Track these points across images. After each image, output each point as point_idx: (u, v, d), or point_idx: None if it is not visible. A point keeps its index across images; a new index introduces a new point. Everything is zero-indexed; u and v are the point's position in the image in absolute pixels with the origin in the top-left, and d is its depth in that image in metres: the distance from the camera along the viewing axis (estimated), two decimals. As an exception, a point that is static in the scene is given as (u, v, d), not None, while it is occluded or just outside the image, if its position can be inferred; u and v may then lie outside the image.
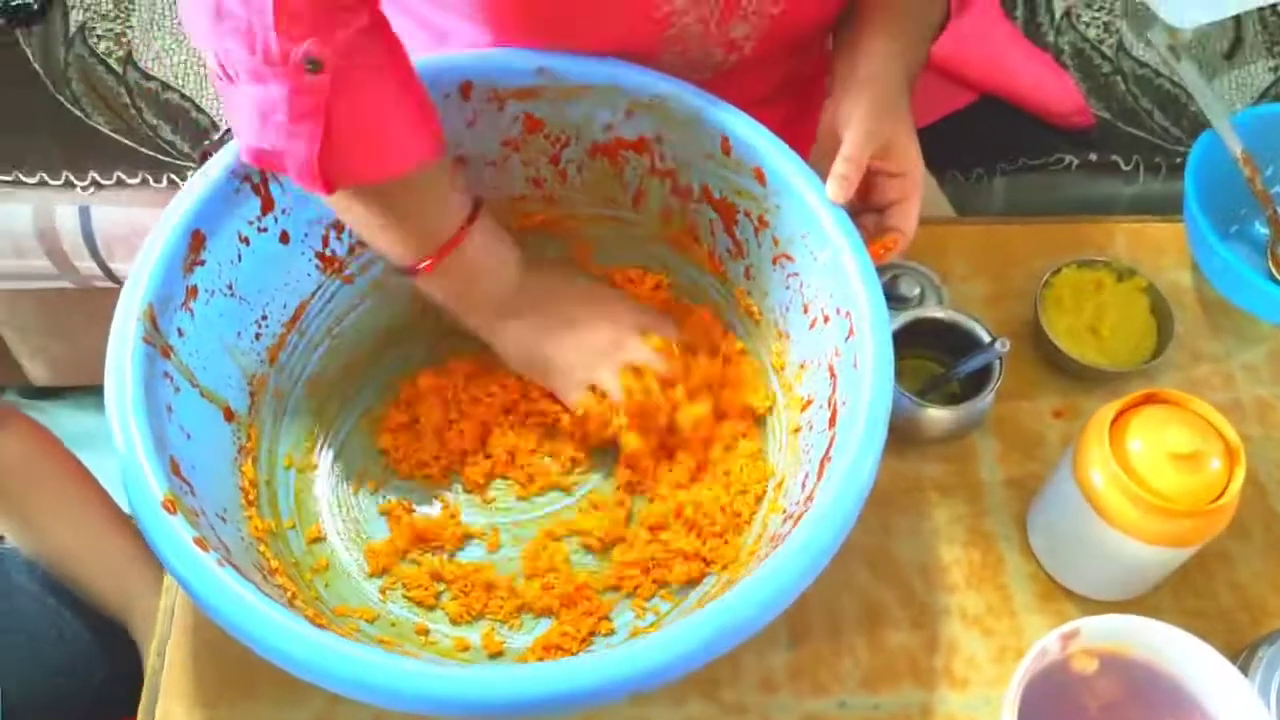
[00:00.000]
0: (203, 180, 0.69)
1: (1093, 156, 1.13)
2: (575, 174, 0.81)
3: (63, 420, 1.59)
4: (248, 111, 0.63)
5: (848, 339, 0.67)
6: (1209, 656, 0.64)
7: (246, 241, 0.72)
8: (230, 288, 0.72)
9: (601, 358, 0.75)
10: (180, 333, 0.67)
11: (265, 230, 0.73)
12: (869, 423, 0.62)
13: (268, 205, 0.72)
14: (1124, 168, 1.13)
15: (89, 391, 1.57)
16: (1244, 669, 0.69)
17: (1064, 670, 0.65)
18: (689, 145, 0.76)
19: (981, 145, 1.15)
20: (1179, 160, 1.13)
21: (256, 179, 0.71)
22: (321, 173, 0.64)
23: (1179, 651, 0.64)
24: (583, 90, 0.75)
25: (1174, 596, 0.75)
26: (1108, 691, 0.65)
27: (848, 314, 0.67)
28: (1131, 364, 0.82)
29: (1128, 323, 0.83)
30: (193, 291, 0.69)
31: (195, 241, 0.68)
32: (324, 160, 0.63)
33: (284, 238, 0.74)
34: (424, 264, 0.71)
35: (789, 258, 0.74)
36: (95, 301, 1.29)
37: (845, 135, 0.71)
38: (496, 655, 0.70)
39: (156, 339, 0.65)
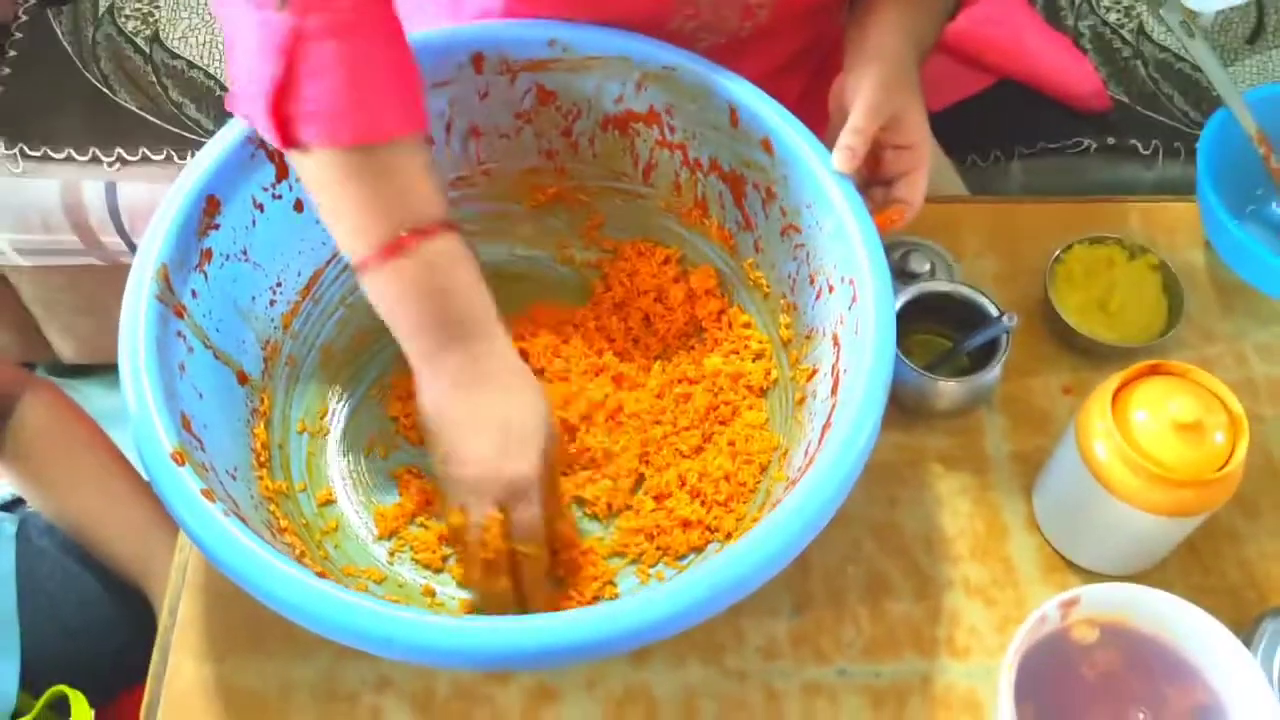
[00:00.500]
0: (217, 146, 0.70)
1: (1112, 140, 1.13)
2: (587, 146, 0.81)
3: (92, 398, 1.61)
4: (230, 43, 0.64)
5: (851, 306, 0.67)
6: (1211, 627, 0.63)
7: (261, 208, 0.73)
8: (245, 253, 0.73)
9: (478, 487, 0.66)
10: (194, 294, 0.69)
11: (280, 197, 0.74)
12: (868, 387, 0.63)
13: (282, 172, 0.73)
14: (1143, 152, 1.13)
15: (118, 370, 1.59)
16: (1248, 643, 0.68)
17: (1064, 639, 0.66)
18: (698, 117, 0.76)
19: (1000, 129, 1.15)
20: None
21: (271, 146, 0.72)
22: (279, 122, 0.62)
23: (1181, 622, 0.64)
24: (594, 62, 0.76)
25: (1181, 572, 0.75)
26: (1107, 661, 0.65)
27: (851, 281, 0.67)
28: (1141, 341, 0.81)
29: (1138, 300, 0.83)
30: (207, 254, 0.70)
31: (210, 206, 0.70)
32: (280, 106, 0.61)
33: (298, 206, 0.75)
34: (379, 249, 0.64)
35: (796, 228, 0.74)
36: (121, 278, 1.30)
37: (853, 107, 0.71)
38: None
39: (169, 299, 0.66)
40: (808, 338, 0.74)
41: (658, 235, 0.84)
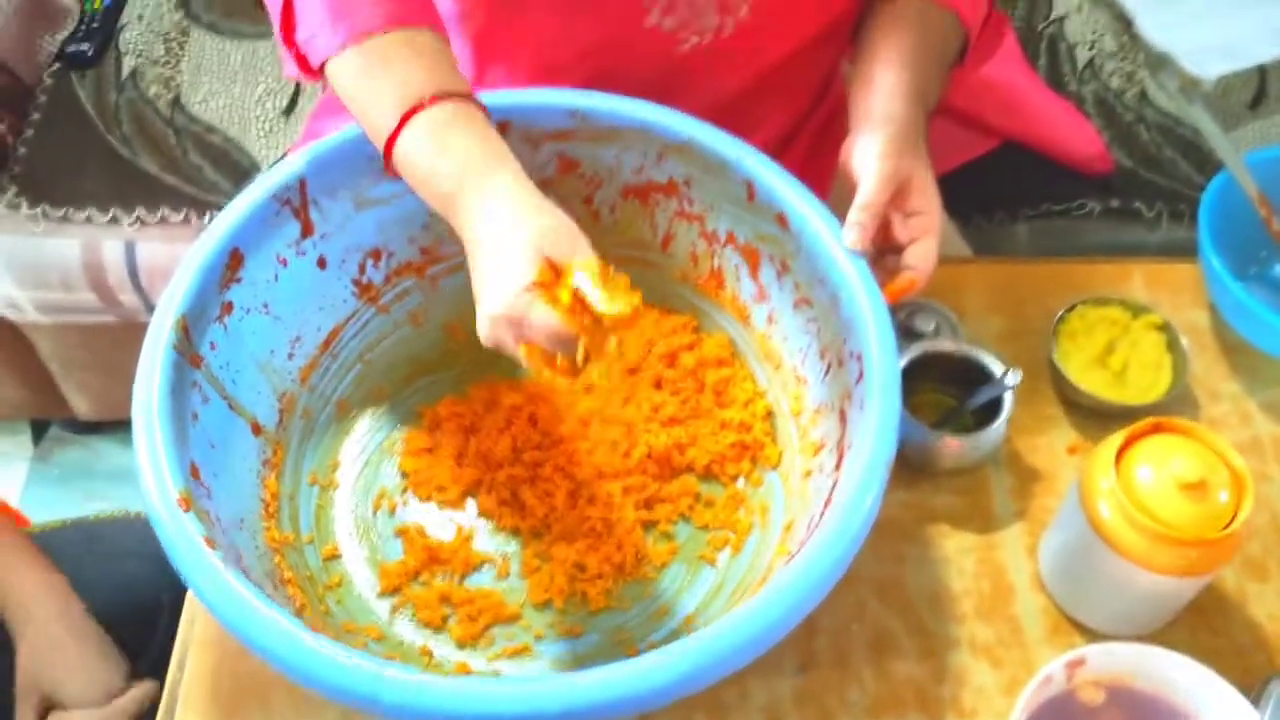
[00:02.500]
0: (244, 201, 0.72)
1: (1116, 203, 1.14)
2: (608, 214, 0.83)
3: (107, 455, 1.63)
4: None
5: (858, 382, 0.68)
6: (1219, 687, 0.63)
7: (285, 263, 0.75)
8: (266, 307, 0.74)
9: (503, 328, 0.64)
10: (213, 346, 0.70)
11: (304, 254, 0.76)
12: (869, 466, 0.62)
13: (307, 229, 0.75)
14: (1147, 214, 1.13)
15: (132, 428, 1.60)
16: (1255, 704, 0.68)
17: (1070, 701, 0.65)
18: (716, 190, 0.78)
19: (1004, 191, 1.16)
20: (1202, 208, 1.13)
21: (297, 203, 0.74)
22: (296, 55, 0.69)
23: (1187, 682, 0.64)
24: (615, 133, 0.78)
25: (1188, 633, 0.74)
26: (1114, 722, 0.65)
27: (859, 357, 0.68)
28: (1146, 401, 0.82)
29: (1142, 359, 0.83)
30: (228, 307, 0.71)
31: (233, 260, 0.71)
32: (290, 39, 0.69)
33: (321, 263, 0.77)
34: (389, 134, 0.67)
35: (808, 302, 0.75)
36: (137, 337, 1.32)
37: (861, 178, 0.71)
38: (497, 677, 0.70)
39: (187, 349, 0.67)
40: (816, 411, 0.75)
41: (673, 303, 0.85)
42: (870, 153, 0.72)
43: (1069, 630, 0.74)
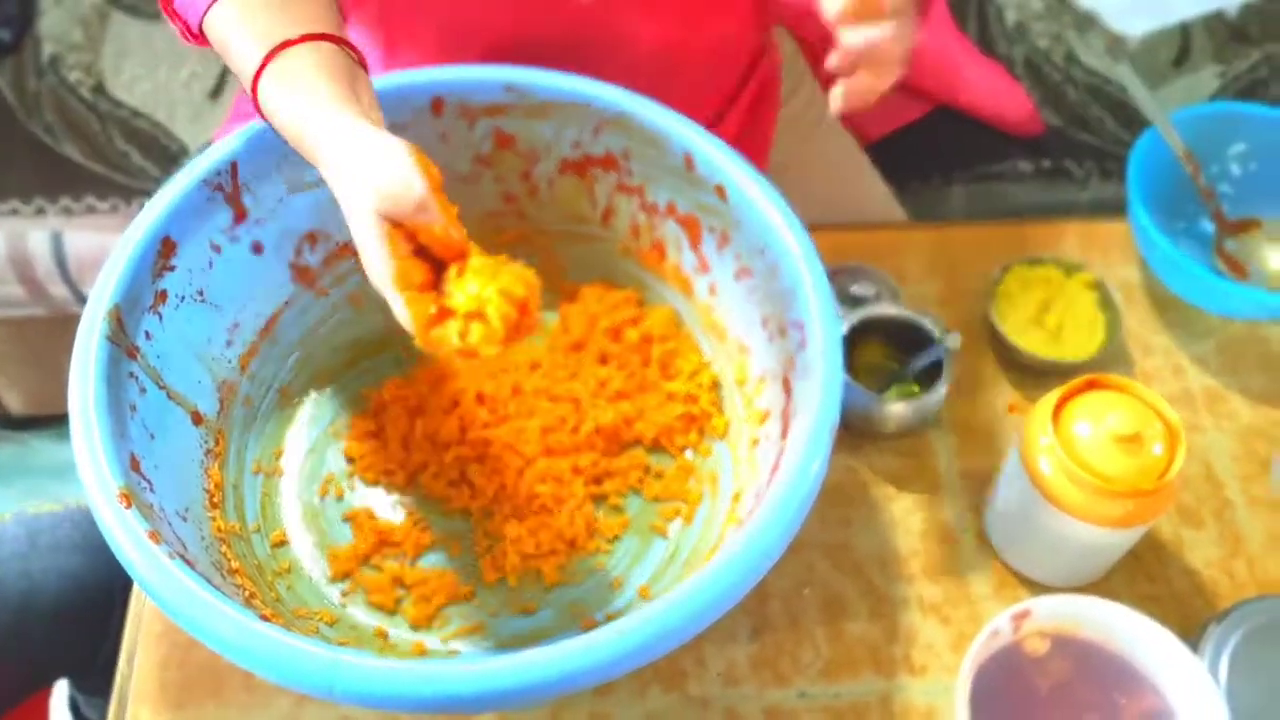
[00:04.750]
0: (174, 189, 0.70)
1: (1046, 163, 1.16)
2: (546, 189, 0.82)
3: (41, 451, 1.59)
4: None
5: (800, 350, 0.68)
6: (1158, 634, 0.65)
7: (218, 250, 0.73)
8: (201, 294, 0.73)
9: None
10: (148, 335, 0.68)
11: (237, 240, 0.74)
12: (813, 432, 0.63)
13: (240, 215, 0.74)
14: (1077, 174, 1.16)
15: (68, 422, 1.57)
16: (1195, 649, 0.70)
17: (1016, 652, 0.67)
18: (655, 162, 0.77)
19: (938, 155, 1.17)
20: (1131, 165, 1.15)
21: (229, 188, 0.72)
22: (176, 18, 0.68)
23: (1129, 630, 0.66)
24: (551, 107, 0.77)
25: (1128, 582, 0.76)
26: (1059, 672, 0.66)
27: (800, 325, 0.68)
28: (1081, 358, 0.83)
29: (1076, 317, 0.85)
30: (161, 296, 0.70)
31: (165, 248, 0.70)
32: (167, 4, 0.68)
33: (256, 248, 0.76)
34: (251, 76, 0.64)
35: (749, 272, 0.75)
36: (69, 329, 1.29)
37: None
38: (453, 657, 0.70)
39: (122, 340, 0.66)
40: (760, 380, 0.75)
41: (616, 278, 0.85)
42: None
43: (1014, 584, 0.76)
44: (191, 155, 1.21)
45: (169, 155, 1.21)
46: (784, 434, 0.68)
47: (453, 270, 0.59)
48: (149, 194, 1.18)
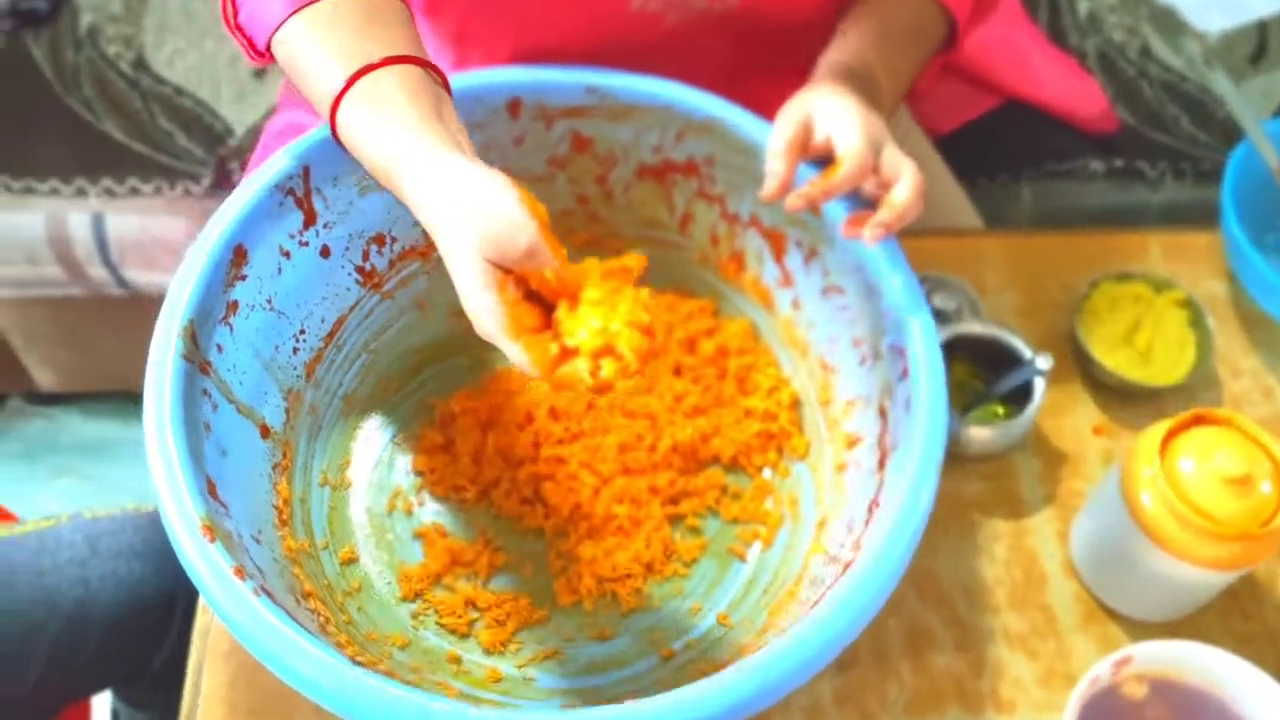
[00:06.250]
0: (244, 194, 0.68)
1: (1119, 163, 1.12)
2: (621, 194, 0.80)
3: (70, 426, 1.57)
4: None
5: (901, 379, 0.66)
6: (1260, 680, 0.63)
7: (288, 255, 0.71)
8: (269, 301, 0.71)
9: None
10: (219, 349, 0.66)
11: (306, 244, 0.72)
12: (919, 472, 0.61)
13: (310, 219, 0.71)
14: (1150, 174, 1.12)
15: (99, 398, 1.55)
16: (1294, 691, 0.68)
17: (1113, 695, 0.65)
18: (742, 170, 0.75)
19: (1007, 151, 1.13)
20: (1207, 167, 1.11)
21: (300, 192, 0.70)
22: (243, 38, 0.64)
23: (1230, 676, 0.64)
24: (633, 110, 0.75)
25: (1222, 619, 0.74)
26: (1158, 717, 0.65)
27: (901, 352, 0.66)
28: (1171, 379, 0.81)
29: (1165, 337, 0.82)
30: (233, 306, 0.67)
31: (237, 256, 0.67)
32: (234, 22, 0.65)
33: (324, 252, 0.73)
34: (330, 104, 0.60)
35: (839, 290, 0.72)
36: (106, 309, 1.27)
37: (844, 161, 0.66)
38: (529, 683, 0.69)
39: (196, 355, 0.64)
40: (849, 403, 0.73)
41: (692, 286, 0.82)
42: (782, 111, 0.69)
43: (1102, 618, 0.74)
44: (237, 137, 1.18)
45: (214, 136, 1.18)
46: (881, 465, 0.66)
47: (563, 306, 0.56)
48: (194, 176, 1.16)
